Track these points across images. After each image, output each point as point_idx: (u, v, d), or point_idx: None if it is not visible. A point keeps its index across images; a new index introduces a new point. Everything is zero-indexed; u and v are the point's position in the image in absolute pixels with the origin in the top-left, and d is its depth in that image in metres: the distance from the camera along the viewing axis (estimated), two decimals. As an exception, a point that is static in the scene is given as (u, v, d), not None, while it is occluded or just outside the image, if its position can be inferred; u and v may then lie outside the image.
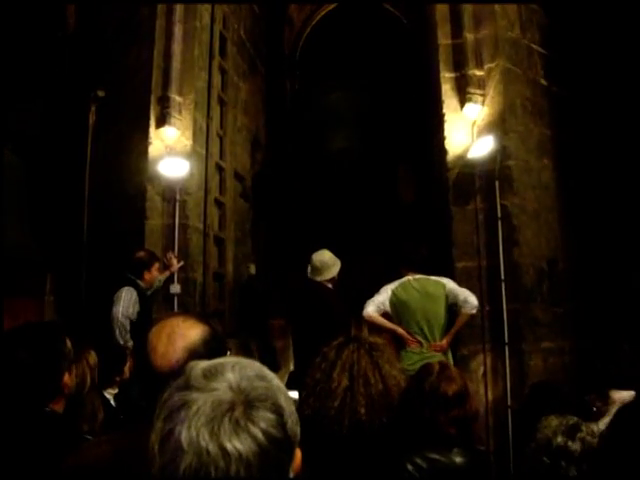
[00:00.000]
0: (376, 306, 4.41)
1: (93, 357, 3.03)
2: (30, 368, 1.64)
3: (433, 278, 4.45)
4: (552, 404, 2.76)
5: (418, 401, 1.84)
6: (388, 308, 4.40)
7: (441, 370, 1.93)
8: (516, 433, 4.37)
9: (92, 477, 1.24)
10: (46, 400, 1.67)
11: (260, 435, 0.78)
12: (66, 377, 1.71)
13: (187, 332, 1.34)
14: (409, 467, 1.74)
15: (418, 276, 4.43)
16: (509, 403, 4.63)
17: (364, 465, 1.74)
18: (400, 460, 1.76)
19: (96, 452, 1.31)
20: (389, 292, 4.41)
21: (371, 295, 4.59)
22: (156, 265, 4.78)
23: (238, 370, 0.85)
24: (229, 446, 0.76)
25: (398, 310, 4.39)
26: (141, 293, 4.62)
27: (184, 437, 0.77)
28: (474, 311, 4.31)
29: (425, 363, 2.10)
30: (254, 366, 0.89)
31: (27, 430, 1.61)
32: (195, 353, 1.28)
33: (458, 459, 1.77)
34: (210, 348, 1.32)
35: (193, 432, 0.77)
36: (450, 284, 4.42)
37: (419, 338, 4.29)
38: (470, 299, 4.28)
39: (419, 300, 4.37)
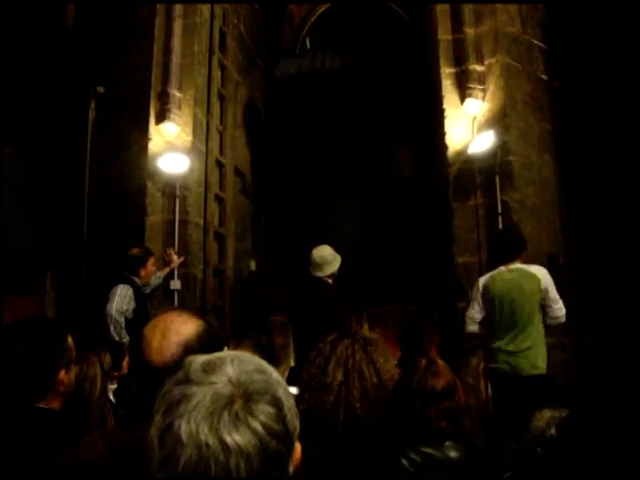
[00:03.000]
0: (470, 319, 4.18)
1: (108, 360, 2.97)
2: (22, 361, 1.63)
3: (531, 270, 4.06)
4: (546, 398, 2.76)
5: (408, 397, 1.85)
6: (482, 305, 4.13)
7: (428, 365, 1.94)
8: (515, 428, 4.37)
9: (89, 474, 1.24)
10: (36, 395, 1.65)
11: (260, 428, 0.78)
12: (62, 374, 1.68)
13: (181, 327, 1.35)
14: (404, 462, 1.75)
15: (513, 266, 4.09)
16: (509, 399, 4.63)
17: (360, 459, 1.74)
18: (395, 454, 1.77)
19: (93, 449, 1.31)
20: (480, 287, 4.14)
21: (371, 291, 4.58)
22: (151, 260, 4.78)
23: (237, 364, 0.86)
24: (229, 439, 0.76)
25: (486, 305, 4.11)
26: (137, 290, 4.63)
27: (184, 431, 0.77)
28: (554, 321, 4.03)
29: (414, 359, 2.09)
30: (253, 360, 0.89)
31: (13, 425, 1.60)
32: (189, 348, 1.29)
33: (452, 453, 1.78)
34: (205, 343, 1.33)
35: (193, 425, 0.77)
36: (546, 278, 4.02)
37: (500, 342, 4.01)
38: (556, 309, 3.95)
39: (508, 296, 4.02)
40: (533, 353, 3.96)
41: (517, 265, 4.09)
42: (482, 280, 4.19)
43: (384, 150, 9.02)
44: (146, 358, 1.31)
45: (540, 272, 4.04)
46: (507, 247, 4.18)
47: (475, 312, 4.16)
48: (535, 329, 3.99)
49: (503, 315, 4.03)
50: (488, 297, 4.09)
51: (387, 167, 8.96)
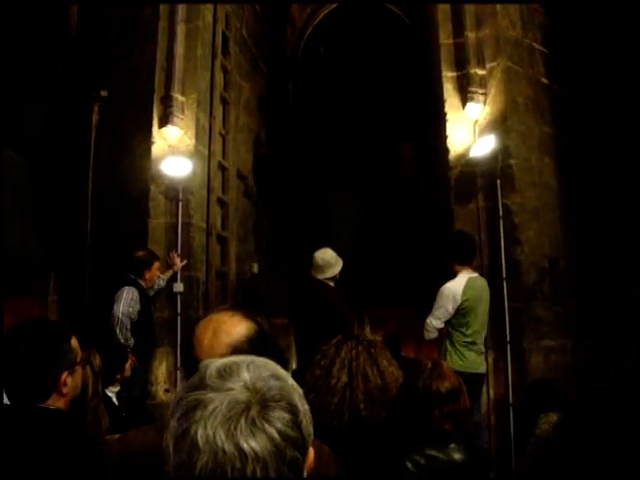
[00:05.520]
0: (434, 329, 4.28)
1: (98, 361, 2.98)
2: (25, 364, 1.64)
3: (483, 278, 4.43)
4: (548, 401, 2.78)
5: (413, 398, 1.87)
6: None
7: (433, 367, 1.96)
8: (517, 430, 4.40)
9: (140, 464, 1.26)
10: (39, 397, 1.65)
11: (276, 435, 0.79)
12: (64, 376, 1.68)
13: (232, 329, 1.38)
14: (408, 464, 1.76)
15: (475, 274, 4.36)
16: (510, 401, 4.65)
17: (364, 461, 1.75)
18: (399, 457, 1.78)
19: (144, 439, 1.33)
20: (458, 297, 4.19)
21: (372, 294, 4.59)
22: (156, 264, 4.81)
23: (253, 370, 0.86)
24: (245, 446, 0.76)
25: (460, 312, 4.21)
26: (142, 292, 4.65)
27: (200, 436, 0.77)
28: None
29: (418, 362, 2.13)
30: (269, 365, 0.90)
31: (21, 424, 1.62)
32: (238, 350, 1.30)
33: (457, 455, 1.79)
34: (254, 346, 1.34)
35: (209, 431, 0.77)
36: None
37: (472, 345, 4.24)
38: None
39: (481, 303, 4.28)
40: (483, 350, 4.38)
41: (475, 273, 4.38)
42: (454, 289, 4.23)
43: (387, 151, 9.04)
44: (195, 355, 1.34)
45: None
46: (470, 252, 4.42)
47: (440, 322, 4.26)
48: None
49: (476, 320, 4.24)
50: (466, 303, 4.20)
51: (390, 167, 8.98)
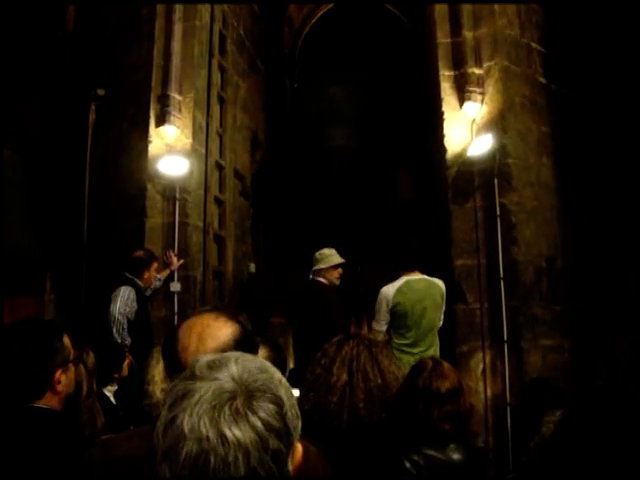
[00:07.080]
0: (379, 332, 4.31)
1: (92, 359, 2.96)
2: (17, 362, 1.63)
3: (434, 280, 4.43)
4: (546, 400, 2.77)
5: (412, 398, 1.86)
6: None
7: (434, 367, 1.95)
8: (515, 430, 4.40)
9: (124, 470, 1.25)
10: (33, 396, 1.64)
11: (259, 424, 0.80)
12: (58, 374, 1.68)
13: (218, 332, 1.36)
14: (406, 464, 1.75)
15: (418, 277, 4.37)
16: (508, 400, 4.65)
17: (363, 460, 1.75)
18: (398, 456, 1.77)
19: (128, 446, 1.32)
20: (389, 301, 4.28)
21: (369, 294, 4.59)
22: (155, 265, 4.80)
23: (241, 363, 0.88)
24: (229, 433, 0.78)
25: (395, 315, 4.28)
26: (139, 292, 4.64)
27: (186, 424, 0.79)
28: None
29: (419, 360, 2.11)
30: (256, 360, 0.92)
31: (13, 424, 1.61)
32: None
33: (455, 456, 1.79)
34: (240, 347, 1.32)
35: (194, 419, 0.79)
36: (444, 289, 4.45)
37: (409, 348, 4.26)
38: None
39: (421, 306, 4.28)
40: (431, 354, 4.22)
41: (422, 276, 4.38)
42: (386, 293, 4.31)
43: (383, 155, 9.03)
44: (182, 362, 1.31)
45: (442, 284, 4.43)
46: (409, 260, 4.42)
47: (382, 325, 4.32)
48: (436, 334, 4.39)
49: (414, 323, 4.26)
50: (398, 307, 4.25)
51: (386, 168, 8.98)
